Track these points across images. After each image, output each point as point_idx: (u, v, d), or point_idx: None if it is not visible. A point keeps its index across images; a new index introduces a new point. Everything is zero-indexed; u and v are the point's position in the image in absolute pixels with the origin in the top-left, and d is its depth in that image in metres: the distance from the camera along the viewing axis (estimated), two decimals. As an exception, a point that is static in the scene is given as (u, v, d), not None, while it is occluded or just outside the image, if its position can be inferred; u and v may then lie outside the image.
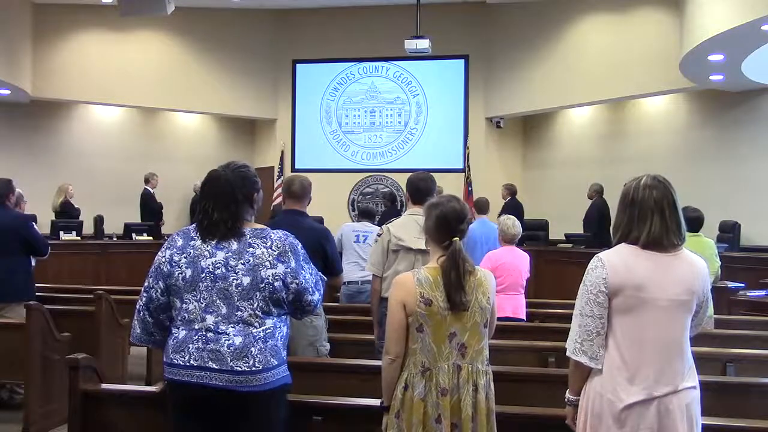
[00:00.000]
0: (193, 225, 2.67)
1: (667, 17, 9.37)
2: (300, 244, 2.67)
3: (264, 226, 2.67)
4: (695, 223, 5.32)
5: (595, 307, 2.36)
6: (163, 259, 2.60)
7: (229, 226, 2.57)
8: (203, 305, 2.51)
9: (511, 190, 10.71)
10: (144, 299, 2.62)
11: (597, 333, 2.36)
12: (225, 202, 2.58)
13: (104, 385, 3.25)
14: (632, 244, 2.39)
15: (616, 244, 2.44)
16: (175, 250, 2.59)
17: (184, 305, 2.53)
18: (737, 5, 6.99)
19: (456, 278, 2.55)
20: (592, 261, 2.42)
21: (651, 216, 2.36)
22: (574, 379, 2.47)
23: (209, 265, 2.53)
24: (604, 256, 2.40)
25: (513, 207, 10.06)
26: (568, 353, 2.43)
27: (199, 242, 2.58)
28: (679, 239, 2.38)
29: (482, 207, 6.84)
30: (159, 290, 2.59)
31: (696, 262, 2.42)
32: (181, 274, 2.54)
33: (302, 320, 3.93)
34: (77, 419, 3.09)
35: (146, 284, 2.62)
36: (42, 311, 4.74)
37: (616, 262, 2.36)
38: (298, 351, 4.00)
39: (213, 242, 2.56)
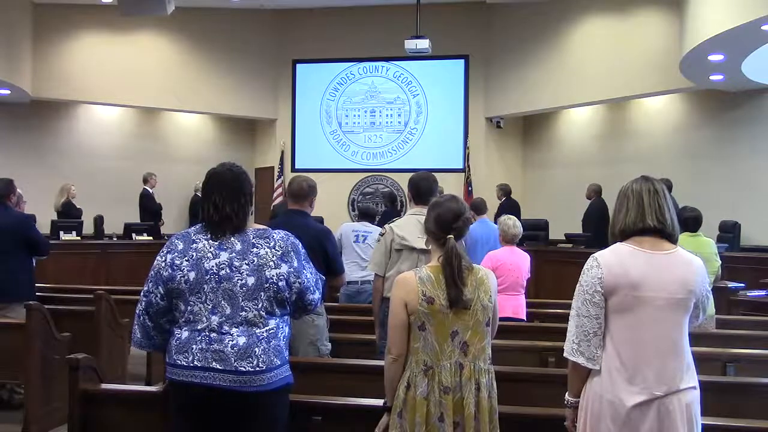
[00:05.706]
0: (194, 227, 2.66)
1: (667, 17, 9.37)
2: (301, 244, 2.68)
3: (265, 227, 2.68)
4: (693, 222, 5.31)
5: (592, 307, 2.36)
6: (163, 264, 2.58)
7: (241, 217, 2.57)
8: (209, 306, 2.51)
9: (505, 191, 10.59)
10: (143, 304, 2.62)
11: (594, 333, 2.36)
12: (234, 195, 2.59)
13: (104, 385, 3.26)
14: (627, 244, 2.39)
15: (611, 244, 2.45)
16: (176, 254, 2.58)
17: (189, 307, 2.53)
18: (737, 5, 6.99)
19: (450, 275, 2.56)
20: (587, 261, 2.42)
21: (628, 204, 2.41)
22: (573, 381, 2.47)
23: (213, 266, 2.52)
24: (600, 255, 2.40)
25: (509, 207, 9.95)
26: (565, 354, 2.43)
27: (201, 244, 2.56)
28: (660, 223, 2.38)
29: (479, 207, 6.84)
30: (158, 295, 2.58)
31: (692, 261, 2.42)
32: (184, 277, 2.53)
33: (304, 319, 3.94)
34: (77, 419, 3.09)
35: (145, 289, 2.61)
36: (42, 311, 4.73)
37: (611, 262, 2.37)
38: (299, 350, 4.00)
39: (216, 243, 2.55)
